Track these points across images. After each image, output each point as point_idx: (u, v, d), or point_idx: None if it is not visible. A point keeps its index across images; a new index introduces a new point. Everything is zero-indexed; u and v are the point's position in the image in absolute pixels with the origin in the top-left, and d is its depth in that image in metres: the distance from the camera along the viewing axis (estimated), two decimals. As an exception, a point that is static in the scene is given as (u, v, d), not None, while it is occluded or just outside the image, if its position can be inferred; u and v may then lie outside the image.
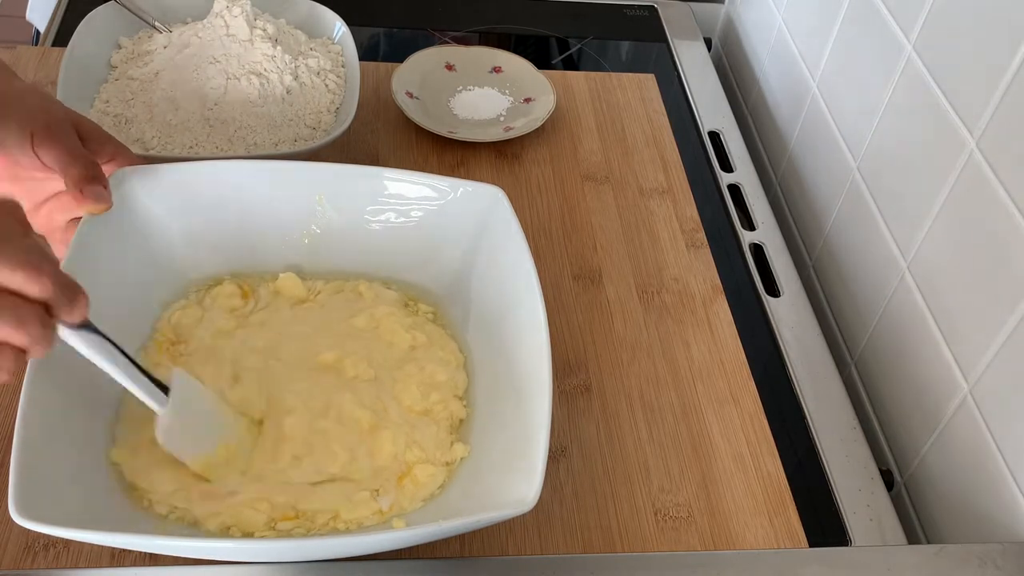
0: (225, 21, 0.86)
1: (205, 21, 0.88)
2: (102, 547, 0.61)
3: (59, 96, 0.82)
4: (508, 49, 1.04)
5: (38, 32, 1.22)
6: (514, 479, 0.58)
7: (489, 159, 0.93)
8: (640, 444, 0.71)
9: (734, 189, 0.97)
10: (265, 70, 0.85)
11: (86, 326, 0.55)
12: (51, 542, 0.61)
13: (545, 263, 0.83)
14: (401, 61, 0.99)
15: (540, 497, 0.55)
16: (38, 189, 0.67)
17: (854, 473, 0.73)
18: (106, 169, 0.68)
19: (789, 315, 0.84)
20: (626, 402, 0.73)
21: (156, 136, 0.83)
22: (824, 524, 0.69)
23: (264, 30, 0.87)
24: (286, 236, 0.75)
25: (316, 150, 0.82)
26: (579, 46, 1.19)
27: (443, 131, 0.92)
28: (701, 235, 0.88)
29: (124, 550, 0.61)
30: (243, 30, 0.85)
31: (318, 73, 0.89)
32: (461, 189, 0.74)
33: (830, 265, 0.90)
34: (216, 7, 0.87)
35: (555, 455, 0.69)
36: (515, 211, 0.71)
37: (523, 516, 0.56)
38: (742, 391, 0.75)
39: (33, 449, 0.55)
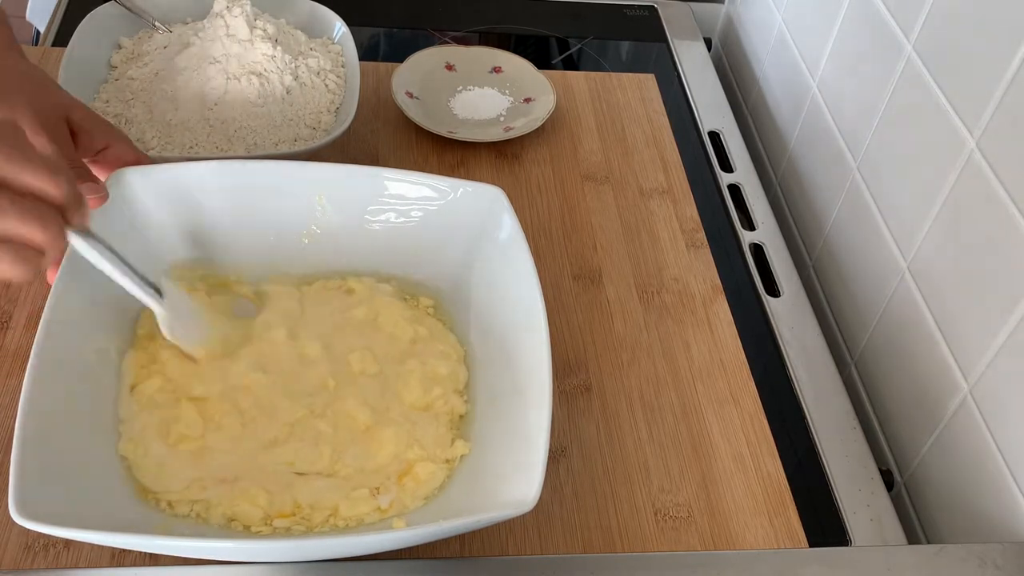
0: (225, 21, 0.86)
1: (205, 21, 0.88)
2: (102, 547, 0.61)
3: None
4: (508, 49, 1.04)
5: (38, 32, 1.22)
6: (514, 479, 0.58)
7: (489, 159, 0.93)
8: (640, 444, 0.71)
9: (734, 189, 0.97)
10: (265, 70, 0.85)
11: (88, 232, 0.58)
12: (51, 542, 0.61)
13: (545, 263, 0.83)
14: (401, 61, 0.99)
15: (540, 497, 0.55)
16: None
17: (854, 473, 0.73)
18: (101, 157, 0.69)
19: (789, 315, 0.84)
20: (626, 402, 0.73)
21: (156, 136, 0.83)
22: (824, 524, 0.69)
23: (264, 30, 0.87)
24: (286, 236, 0.75)
25: (316, 150, 0.82)
26: (579, 46, 1.19)
27: (443, 131, 0.92)
28: (701, 235, 0.88)
29: (124, 550, 0.61)
30: (243, 30, 0.85)
31: (318, 73, 0.89)
32: (461, 189, 0.74)
33: (830, 265, 0.90)
34: (216, 7, 0.87)
35: (555, 455, 0.69)
36: (515, 211, 0.71)
37: (523, 516, 0.56)
38: (742, 391, 0.75)
39: (33, 449, 0.55)
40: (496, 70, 1.02)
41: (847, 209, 0.87)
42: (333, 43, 0.94)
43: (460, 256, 0.74)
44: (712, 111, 1.06)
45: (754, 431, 0.72)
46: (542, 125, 0.95)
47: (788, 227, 0.99)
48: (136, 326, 0.69)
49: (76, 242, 0.58)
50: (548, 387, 0.60)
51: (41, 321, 0.61)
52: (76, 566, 0.60)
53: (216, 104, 0.84)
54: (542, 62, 1.10)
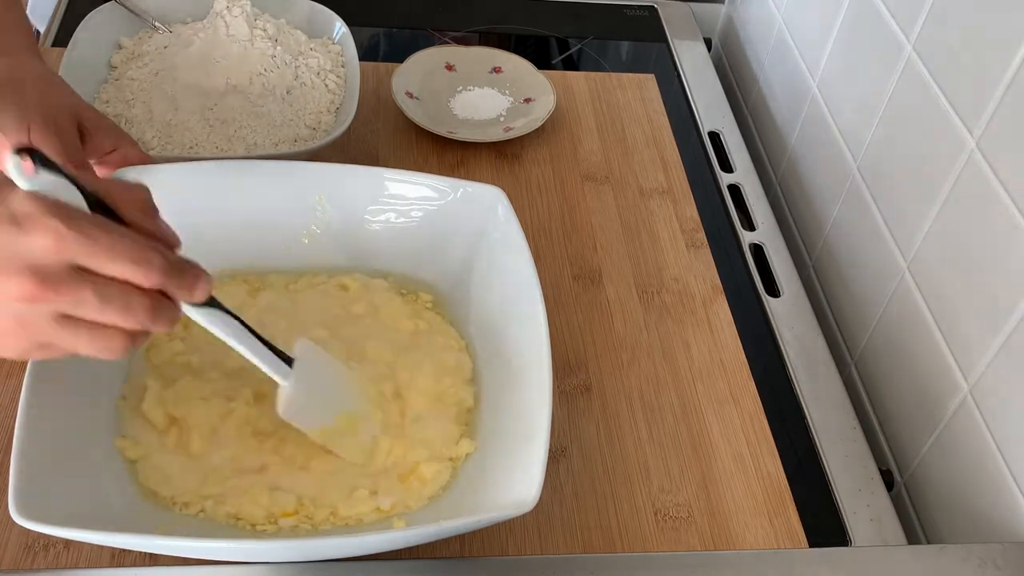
0: (225, 21, 0.86)
1: (205, 21, 0.88)
2: (102, 547, 0.61)
3: None
4: (508, 49, 1.04)
5: (38, 32, 1.22)
6: (514, 479, 0.58)
7: (489, 159, 0.93)
8: (640, 444, 0.71)
9: (734, 189, 0.97)
10: (265, 70, 0.85)
11: (209, 303, 0.54)
12: (51, 542, 0.61)
13: (545, 263, 0.83)
14: (401, 61, 0.99)
15: (540, 497, 0.55)
16: None
17: (854, 473, 0.73)
18: (108, 159, 0.68)
19: (789, 315, 0.84)
20: (626, 402, 0.73)
21: (156, 136, 0.83)
22: (824, 524, 0.69)
23: (264, 30, 0.87)
24: (286, 236, 0.75)
25: (316, 150, 0.82)
26: (579, 46, 1.19)
27: (443, 131, 0.92)
28: (701, 235, 0.88)
29: (124, 550, 0.61)
30: (243, 30, 0.85)
31: (318, 73, 0.89)
32: (461, 189, 0.74)
33: (830, 265, 0.90)
34: (216, 7, 0.87)
35: (555, 455, 0.69)
36: (515, 211, 0.71)
37: (523, 516, 0.56)
38: (742, 391, 0.75)
39: (33, 449, 0.56)
40: (496, 70, 1.02)
41: (847, 209, 0.87)
42: (333, 43, 0.94)
43: (460, 256, 0.74)
44: (712, 111, 1.06)
45: (754, 431, 0.72)
46: (542, 125, 0.95)
47: (788, 227, 0.99)
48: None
49: (193, 315, 0.54)
50: (548, 387, 0.60)
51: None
52: (76, 566, 0.60)
53: (216, 104, 0.84)
54: (542, 62, 1.10)
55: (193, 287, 0.51)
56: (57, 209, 0.46)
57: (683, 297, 0.82)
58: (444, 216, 0.74)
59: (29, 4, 1.22)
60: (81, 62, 0.87)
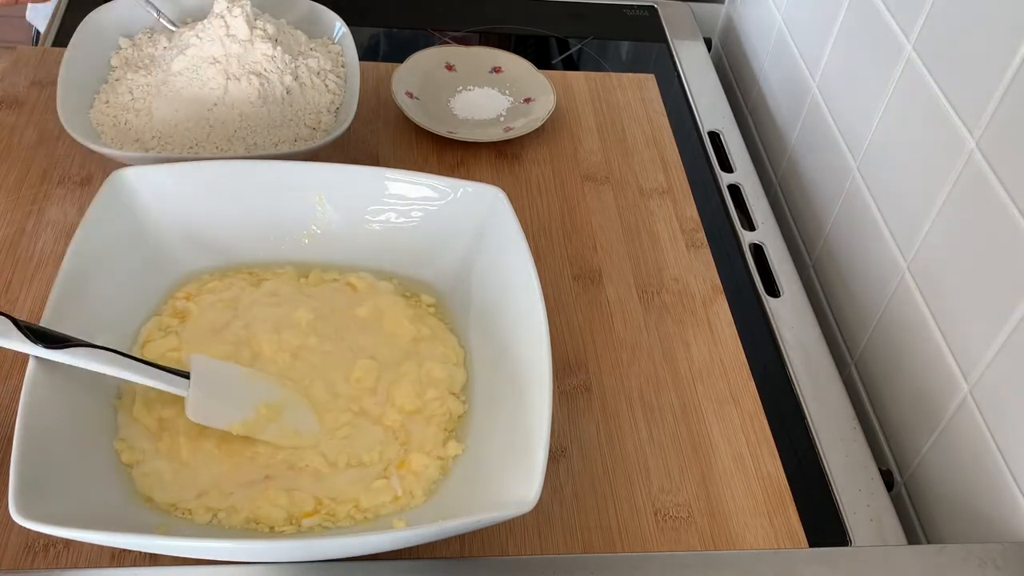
0: (225, 21, 0.86)
1: (205, 21, 0.88)
2: (102, 547, 0.61)
3: (59, 96, 0.82)
4: (508, 49, 1.04)
5: (38, 32, 1.22)
6: (514, 479, 0.58)
7: (489, 159, 0.93)
8: (640, 444, 0.71)
9: (734, 189, 0.97)
10: (265, 70, 0.85)
11: (76, 343, 0.59)
12: (51, 542, 0.61)
13: (545, 263, 0.83)
14: (401, 61, 0.99)
15: (540, 497, 0.55)
16: None
17: (854, 473, 0.73)
18: None
19: (789, 315, 0.84)
20: (626, 402, 0.73)
21: (156, 136, 0.83)
22: (824, 524, 0.69)
23: (264, 30, 0.87)
24: (286, 236, 0.75)
25: (316, 150, 0.82)
26: (579, 46, 1.19)
27: (443, 131, 0.92)
28: (701, 235, 0.88)
29: (124, 550, 0.61)
30: (243, 30, 0.85)
31: (318, 73, 0.89)
32: (461, 189, 0.74)
33: (830, 265, 0.90)
34: (216, 7, 0.87)
35: (555, 455, 0.69)
36: (515, 211, 0.71)
37: (523, 516, 0.56)
38: (742, 391, 0.75)
39: (33, 448, 0.56)
40: (496, 70, 1.02)
41: (847, 209, 0.87)
42: (333, 43, 0.94)
43: (460, 256, 0.74)
44: (712, 111, 1.06)
45: (754, 431, 0.72)
46: (542, 125, 0.95)
47: (788, 227, 0.99)
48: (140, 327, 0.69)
49: (68, 359, 0.58)
50: (548, 387, 0.60)
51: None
52: (76, 566, 0.60)
53: (216, 104, 0.84)
54: (542, 62, 1.10)
55: None
56: None
57: (683, 297, 0.82)
58: (444, 216, 0.74)
59: (29, 4, 1.22)
60: (81, 62, 0.87)
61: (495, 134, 0.93)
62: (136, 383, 0.62)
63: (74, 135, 0.79)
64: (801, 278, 0.88)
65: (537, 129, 0.95)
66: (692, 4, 1.22)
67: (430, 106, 0.97)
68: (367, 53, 1.13)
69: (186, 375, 0.63)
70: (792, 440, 0.74)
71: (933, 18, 0.74)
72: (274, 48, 0.86)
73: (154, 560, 0.60)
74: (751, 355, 0.78)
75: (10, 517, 0.51)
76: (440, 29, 1.17)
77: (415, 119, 0.92)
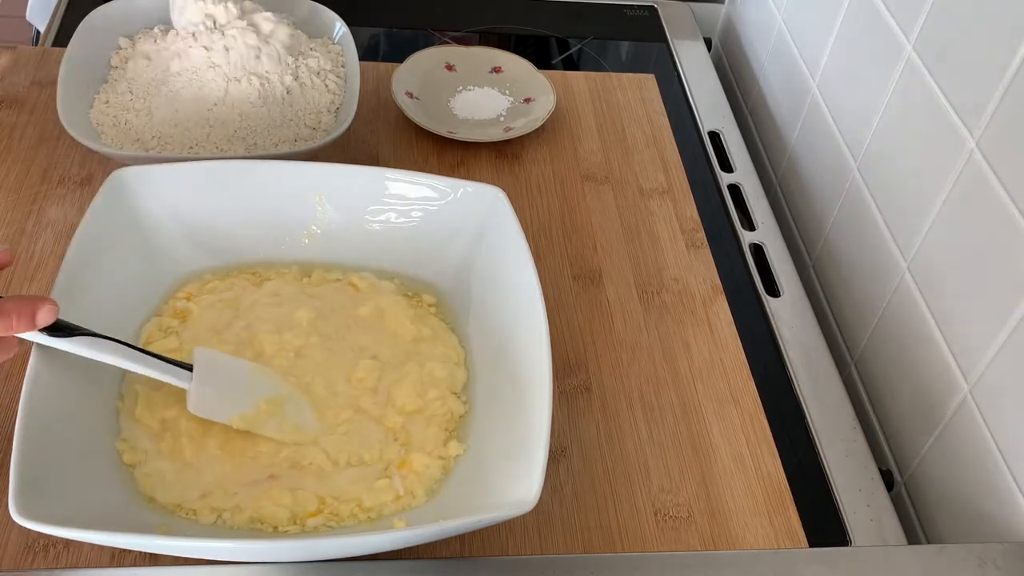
0: (225, 21, 0.86)
1: (205, 21, 0.88)
2: (102, 547, 0.61)
3: (59, 96, 0.82)
4: (508, 49, 1.04)
5: (38, 32, 1.22)
6: (514, 479, 0.58)
7: (489, 159, 0.93)
8: (640, 444, 0.71)
9: (734, 189, 0.97)
10: (265, 70, 0.85)
11: (82, 332, 0.58)
12: (51, 542, 0.61)
13: (545, 263, 0.83)
14: (401, 61, 0.99)
15: (540, 497, 0.55)
16: None
17: (854, 473, 0.73)
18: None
19: (789, 315, 0.84)
20: (626, 402, 0.73)
21: (156, 136, 0.83)
22: (824, 524, 0.69)
23: (265, 31, 0.87)
24: (286, 236, 0.75)
25: (316, 150, 0.82)
26: (579, 46, 1.19)
27: (443, 131, 0.92)
28: (701, 235, 0.88)
29: (124, 550, 0.61)
30: (244, 31, 0.85)
31: (318, 73, 0.89)
32: (461, 189, 0.74)
33: (830, 265, 0.90)
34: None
35: (555, 455, 0.69)
36: (515, 211, 0.71)
37: (523, 516, 0.56)
38: (742, 391, 0.75)
39: (33, 449, 0.56)
40: (496, 70, 1.02)
41: (847, 209, 0.87)
42: (333, 43, 0.94)
43: (460, 256, 0.74)
44: (712, 111, 1.06)
45: (754, 431, 0.72)
46: (542, 125, 0.95)
47: (788, 227, 0.99)
48: (140, 328, 0.69)
49: (70, 346, 0.58)
50: (548, 387, 0.60)
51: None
52: (76, 566, 0.60)
53: (216, 104, 0.84)
54: (542, 62, 1.10)
55: (34, 315, 0.57)
56: None
57: (683, 297, 0.82)
58: (444, 216, 0.74)
59: (29, 4, 1.22)
60: (81, 62, 0.87)
61: (495, 134, 0.93)
62: (138, 375, 0.62)
63: (74, 135, 0.79)
64: (801, 278, 0.88)
65: (537, 129, 0.95)
66: (692, 4, 1.22)
67: (430, 106, 0.97)
68: (367, 53, 1.13)
69: (189, 367, 0.63)
70: (792, 440, 0.74)
71: (933, 18, 0.74)
72: (274, 48, 0.86)
73: (154, 560, 0.60)
74: (751, 355, 0.78)
75: (10, 517, 0.51)
76: (440, 29, 1.17)
77: (415, 119, 0.92)
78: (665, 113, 1.01)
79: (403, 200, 0.75)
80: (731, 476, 0.69)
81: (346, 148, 0.91)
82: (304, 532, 0.60)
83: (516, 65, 1.02)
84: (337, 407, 0.66)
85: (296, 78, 0.87)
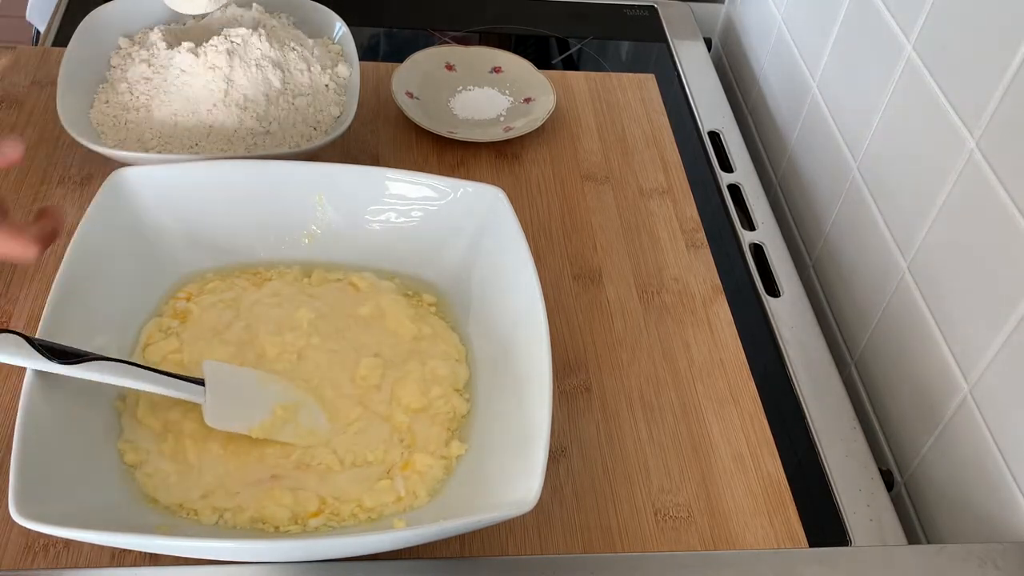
0: (225, 21, 0.86)
1: (205, 21, 0.88)
2: (102, 547, 0.61)
3: (59, 96, 0.82)
4: (508, 49, 1.04)
5: (38, 32, 1.22)
6: (514, 479, 0.58)
7: (489, 159, 0.93)
8: (640, 444, 0.71)
9: (734, 189, 0.97)
10: (265, 71, 0.85)
11: (90, 357, 0.59)
12: (51, 542, 0.61)
13: (545, 263, 0.83)
14: (401, 61, 0.99)
15: (540, 497, 0.55)
16: None
17: (854, 473, 0.73)
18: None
19: (789, 315, 0.84)
20: (626, 402, 0.73)
21: (156, 136, 0.83)
22: (824, 524, 0.69)
23: (265, 30, 0.87)
24: (286, 236, 0.75)
25: (316, 150, 0.82)
26: (579, 46, 1.19)
27: (443, 131, 0.92)
28: (701, 235, 0.88)
29: (124, 550, 0.61)
30: (243, 30, 0.85)
31: (318, 73, 0.89)
32: (461, 189, 0.74)
33: (830, 265, 0.90)
34: (215, 8, 0.87)
35: (555, 455, 0.69)
36: (515, 211, 0.71)
37: (523, 516, 0.56)
38: (742, 391, 0.75)
39: (33, 449, 0.56)
40: (496, 70, 1.02)
41: (847, 209, 0.87)
42: (333, 43, 0.94)
43: (460, 256, 0.74)
44: (712, 111, 1.06)
45: (754, 431, 0.72)
46: (542, 125, 0.95)
47: (788, 227, 0.99)
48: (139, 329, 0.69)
49: (84, 374, 0.59)
50: (548, 387, 0.60)
51: (41, 321, 0.61)
52: (76, 566, 0.60)
53: (215, 105, 0.84)
54: (542, 62, 1.10)
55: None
56: None
57: (683, 297, 0.82)
58: (444, 216, 0.74)
59: (29, 4, 1.22)
60: (81, 62, 0.86)
61: (495, 134, 0.93)
62: (151, 392, 0.62)
63: (74, 135, 0.79)
64: (801, 278, 0.88)
65: (537, 129, 0.95)
66: (692, 4, 1.22)
67: (430, 106, 0.97)
68: (367, 53, 1.13)
69: (200, 382, 0.63)
70: (792, 440, 0.74)
71: (933, 18, 0.74)
72: (274, 48, 0.86)
73: (154, 560, 0.60)
74: (751, 355, 0.78)
75: (10, 517, 0.51)
76: (440, 29, 1.17)
77: (415, 119, 0.92)
78: (665, 113, 1.01)
79: (403, 200, 0.75)
80: (731, 476, 0.69)
81: (346, 148, 0.91)
82: (305, 532, 0.60)
83: (516, 65, 1.02)
84: (347, 407, 0.66)
85: (296, 78, 0.87)
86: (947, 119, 0.71)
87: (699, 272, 0.84)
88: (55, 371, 0.58)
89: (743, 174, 0.99)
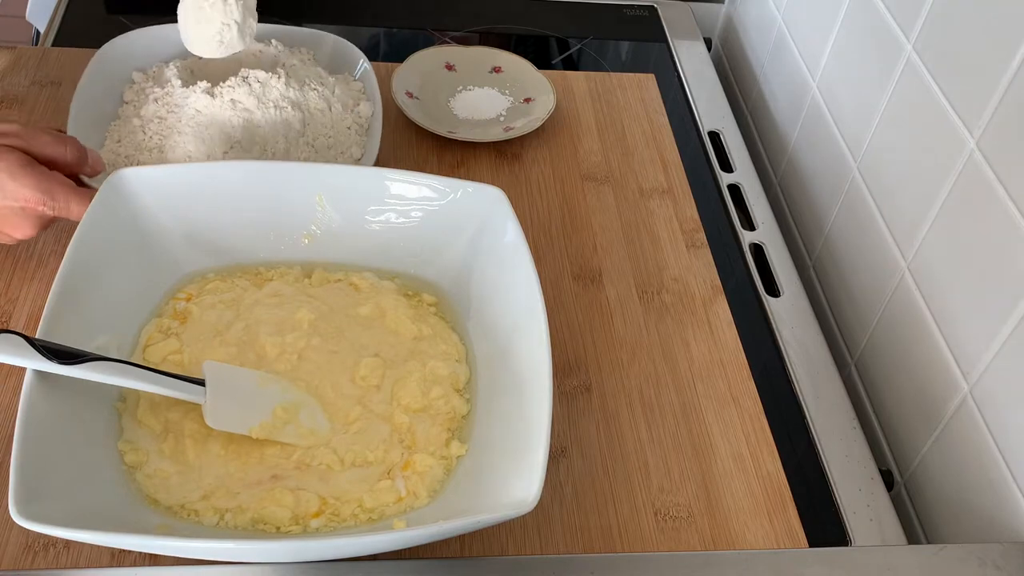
0: (244, 56, 0.84)
1: (222, 57, 0.85)
2: (102, 547, 0.61)
3: (69, 131, 0.79)
4: (508, 49, 1.04)
5: (38, 32, 1.22)
6: (514, 479, 0.58)
7: (489, 159, 0.93)
8: (640, 444, 0.71)
9: (734, 189, 0.97)
10: (286, 112, 0.83)
11: (90, 357, 0.59)
12: (51, 542, 0.61)
13: (545, 263, 0.83)
14: (401, 61, 0.99)
15: (540, 497, 0.55)
16: None
17: (854, 473, 0.73)
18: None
19: (789, 315, 0.84)
20: (626, 402, 0.73)
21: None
22: (824, 524, 0.69)
23: (285, 67, 0.85)
24: (286, 236, 0.75)
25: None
26: (579, 46, 1.19)
27: (443, 131, 0.92)
28: (701, 235, 0.88)
29: (124, 550, 0.61)
30: (262, 73, 0.83)
31: (340, 110, 0.86)
32: (461, 190, 0.74)
33: (830, 265, 0.90)
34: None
35: (555, 455, 0.69)
36: (515, 211, 0.71)
37: (523, 516, 0.56)
38: (742, 391, 0.75)
39: (33, 449, 0.56)
40: (496, 70, 1.02)
41: (847, 209, 0.87)
42: (354, 79, 0.92)
43: (460, 256, 0.74)
44: (712, 111, 1.06)
45: (754, 431, 0.72)
46: (542, 125, 0.95)
47: (788, 227, 0.99)
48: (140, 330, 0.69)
49: (83, 373, 0.59)
50: (548, 387, 0.60)
51: (41, 321, 0.61)
52: (76, 566, 0.60)
53: (233, 147, 0.81)
54: (542, 62, 1.10)
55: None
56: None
57: (683, 297, 0.82)
58: (444, 216, 0.74)
59: (29, 4, 1.22)
60: (92, 97, 0.84)
61: (495, 134, 0.93)
62: (151, 393, 0.62)
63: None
64: (801, 278, 0.88)
65: (537, 129, 0.95)
66: (692, 4, 1.22)
67: (430, 106, 0.97)
68: (367, 53, 1.13)
69: (201, 382, 0.63)
70: (792, 440, 0.74)
71: (933, 18, 0.74)
72: (294, 86, 0.83)
73: (154, 560, 0.60)
74: (751, 355, 0.78)
75: (10, 517, 0.51)
76: (440, 29, 1.17)
77: (415, 119, 0.92)
78: (665, 113, 1.01)
79: (403, 200, 0.75)
80: (731, 476, 0.69)
81: (346, 148, 0.91)
82: (306, 533, 0.60)
83: (516, 65, 1.02)
84: (347, 407, 0.66)
85: (316, 119, 0.84)
86: (947, 119, 0.71)
87: (699, 272, 0.84)
88: (55, 371, 0.58)
89: (743, 174, 0.99)
